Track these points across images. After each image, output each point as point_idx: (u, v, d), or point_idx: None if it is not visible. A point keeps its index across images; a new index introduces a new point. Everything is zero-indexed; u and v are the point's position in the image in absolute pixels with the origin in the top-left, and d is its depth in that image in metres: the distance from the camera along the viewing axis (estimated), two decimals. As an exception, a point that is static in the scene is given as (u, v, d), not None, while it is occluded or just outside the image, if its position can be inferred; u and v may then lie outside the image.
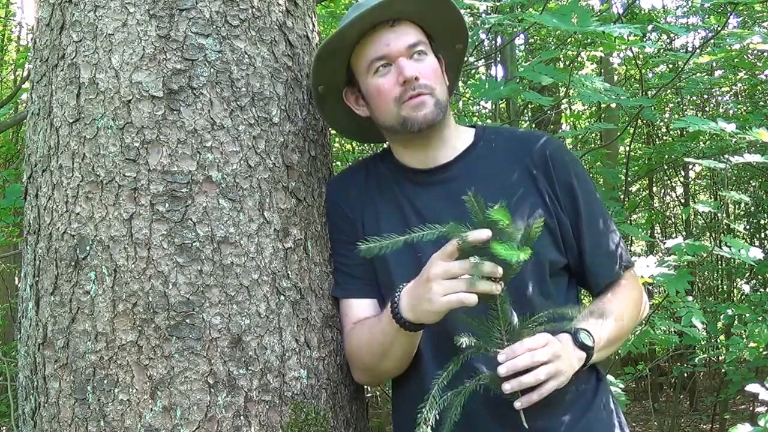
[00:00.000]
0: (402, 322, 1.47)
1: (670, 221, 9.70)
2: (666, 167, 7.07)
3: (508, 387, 1.39)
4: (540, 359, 1.39)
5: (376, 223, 1.66)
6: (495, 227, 1.35)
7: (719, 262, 7.76)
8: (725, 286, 8.51)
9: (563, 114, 7.44)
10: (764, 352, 4.19)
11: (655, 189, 9.00)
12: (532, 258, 1.57)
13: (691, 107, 7.64)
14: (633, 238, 6.46)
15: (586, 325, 1.54)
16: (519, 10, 3.80)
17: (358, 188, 1.72)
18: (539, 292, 1.57)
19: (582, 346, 1.50)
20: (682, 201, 8.66)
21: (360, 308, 1.65)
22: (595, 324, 1.56)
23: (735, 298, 7.71)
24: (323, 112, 1.73)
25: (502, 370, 1.38)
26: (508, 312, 1.41)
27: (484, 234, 1.36)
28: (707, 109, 7.54)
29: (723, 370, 6.12)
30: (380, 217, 1.67)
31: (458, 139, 1.70)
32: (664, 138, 8.07)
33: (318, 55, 1.61)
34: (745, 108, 6.57)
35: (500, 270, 1.37)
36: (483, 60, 6.23)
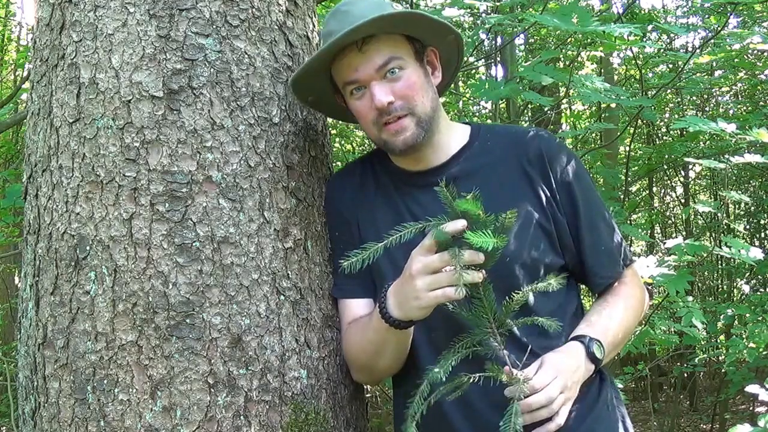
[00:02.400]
0: (391, 320, 1.47)
1: (670, 221, 9.71)
2: (666, 167, 7.07)
3: (527, 418, 1.39)
4: (552, 395, 1.40)
5: (372, 225, 1.66)
6: (468, 216, 1.35)
7: (719, 262, 7.76)
8: (725, 286, 8.51)
9: (563, 114, 7.44)
10: (764, 353, 4.20)
11: (655, 189, 9.01)
12: (528, 262, 1.57)
13: (691, 107, 7.64)
14: (633, 238, 6.46)
15: (593, 331, 1.54)
16: (519, 10, 3.81)
17: (354, 188, 1.72)
18: (537, 294, 1.56)
19: (593, 359, 1.50)
20: (682, 201, 8.66)
21: (357, 308, 1.65)
22: (603, 330, 1.56)
23: (735, 298, 7.71)
24: (321, 111, 1.74)
25: (524, 409, 1.38)
26: (492, 298, 1.41)
27: (459, 224, 1.35)
28: (707, 109, 7.54)
29: (723, 370, 6.12)
30: (377, 218, 1.66)
31: (452, 139, 1.68)
32: (664, 138, 8.07)
33: (293, 80, 1.58)
34: (745, 108, 6.57)
35: (481, 256, 1.36)
36: (483, 60, 6.23)
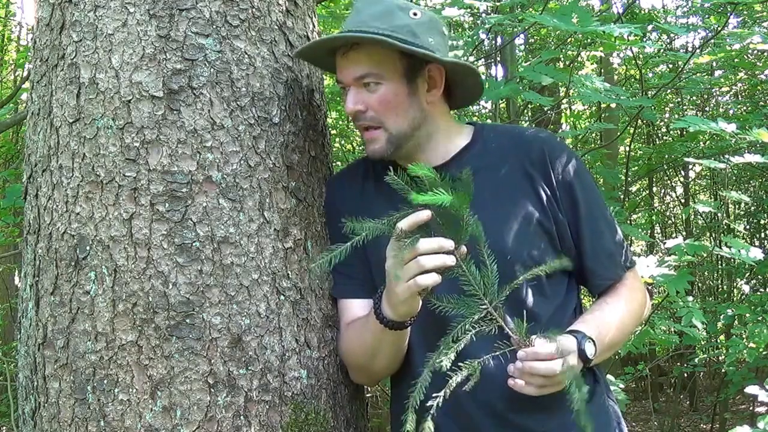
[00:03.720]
0: (385, 321, 1.47)
1: (670, 221, 9.71)
2: (666, 167, 7.07)
3: (511, 383, 1.40)
4: (555, 369, 1.39)
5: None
6: (424, 182, 1.34)
7: (719, 262, 7.76)
8: (725, 286, 8.51)
9: (563, 114, 7.44)
10: (764, 353, 4.20)
11: (655, 189, 9.01)
12: (528, 261, 1.56)
13: (691, 107, 7.64)
14: (633, 238, 6.46)
15: (587, 328, 1.53)
16: (519, 10, 3.81)
17: (354, 188, 1.72)
18: (536, 295, 1.56)
19: (584, 357, 1.48)
20: (682, 201, 8.67)
21: (356, 308, 1.65)
22: (598, 329, 1.54)
23: (735, 298, 7.71)
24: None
25: (518, 365, 1.39)
26: (476, 274, 1.39)
27: (419, 217, 1.36)
28: (707, 109, 7.55)
29: (723, 370, 6.12)
30: (377, 218, 1.66)
31: (451, 139, 1.67)
32: (664, 138, 8.08)
33: (297, 53, 1.64)
34: (745, 108, 6.57)
35: (444, 242, 1.36)
36: (483, 60, 6.23)
